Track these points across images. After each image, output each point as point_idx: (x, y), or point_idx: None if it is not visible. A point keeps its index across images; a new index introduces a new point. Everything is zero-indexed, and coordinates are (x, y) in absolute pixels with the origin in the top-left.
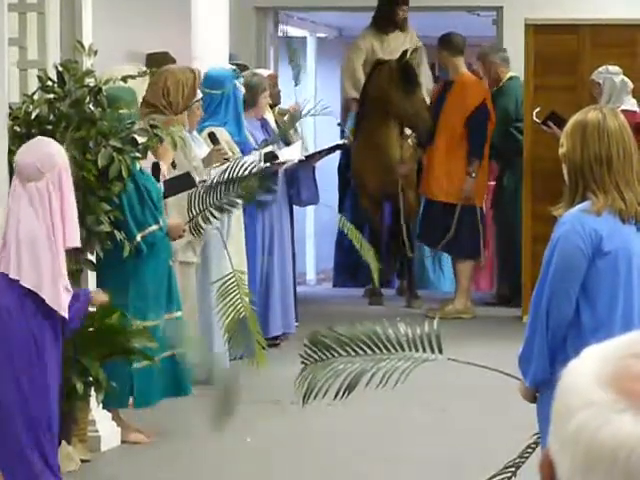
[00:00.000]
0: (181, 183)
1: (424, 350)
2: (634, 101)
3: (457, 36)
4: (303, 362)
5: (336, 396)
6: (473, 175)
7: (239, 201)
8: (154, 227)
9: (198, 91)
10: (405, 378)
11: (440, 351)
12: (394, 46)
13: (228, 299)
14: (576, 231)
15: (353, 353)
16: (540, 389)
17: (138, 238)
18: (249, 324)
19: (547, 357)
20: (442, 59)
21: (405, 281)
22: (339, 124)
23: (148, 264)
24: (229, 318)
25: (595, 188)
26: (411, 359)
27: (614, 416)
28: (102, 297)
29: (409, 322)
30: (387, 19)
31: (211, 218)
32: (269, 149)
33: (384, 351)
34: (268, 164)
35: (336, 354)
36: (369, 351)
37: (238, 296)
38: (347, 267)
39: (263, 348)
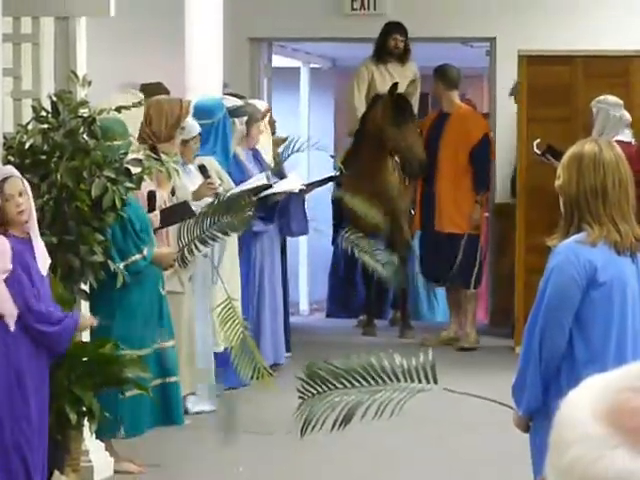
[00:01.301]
0: (179, 212)
1: (419, 381)
2: (629, 132)
3: (453, 69)
4: (300, 397)
5: (333, 428)
6: (481, 205)
7: (220, 235)
8: (137, 256)
9: (195, 124)
10: (400, 409)
11: (435, 381)
12: (394, 76)
13: (229, 325)
14: (570, 262)
15: (349, 385)
16: (533, 419)
17: (121, 267)
18: (252, 350)
19: (540, 387)
20: (437, 91)
21: (398, 312)
22: (332, 156)
23: (133, 293)
24: (234, 344)
25: (590, 220)
26: (406, 390)
27: (608, 451)
28: (89, 321)
29: (404, 353)
30: (382, 48)
31: (195, 250)
32: (263, 181)
33: (379, 382)
34: (261, 194)
35: (332, 386)
36: (365, 383)
37: (238, 322)
38: (341, 297)
39: (270, 374)
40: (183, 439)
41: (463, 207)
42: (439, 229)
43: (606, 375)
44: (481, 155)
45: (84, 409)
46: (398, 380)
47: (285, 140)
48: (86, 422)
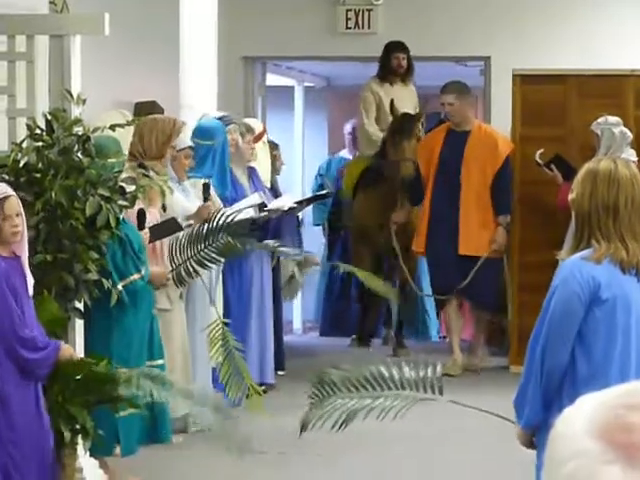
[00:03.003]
0: (167, 228)
1: (425, 391)
2: (633, 151)
3: (467, 85)
4: (311, 400)
5: (332, 428)
6: (506, 227)
7: (220, 258)
8: (135, 276)
9: (186, 140)
10: (402, 415)
11: (441, 393)
12: (399, 97)
13: (218, 347)
14: (574, 277)
15: (354, 390)
16: (537, 434)
17: (119, 287)
18: (241, 370)
19: (540, 402)
20: (459, 109)
21: (391, 330)
22: (320, 174)
23: (130, 312)
24: (223, 364)
25: (599, 236)
26: (409, 397)
27: (603, 467)
28: (69, 352)
29: (413, 366)
30: (384, 67)
31: (192, 272)
32: (256, 200)
33: (385, 390)
34: (257, 214)
35: (338, 391)
36: (371, 390)
37: (228, 342)
38: (334, 316)
39: (258, 394)
40: (177, 456)
41: (486, 230)
42: (462, 252)
43: (601, 393)
44: (506, 175)
45: (78, 427)
46: (404, 389)
47: (276, 147)
48: (80, 440)
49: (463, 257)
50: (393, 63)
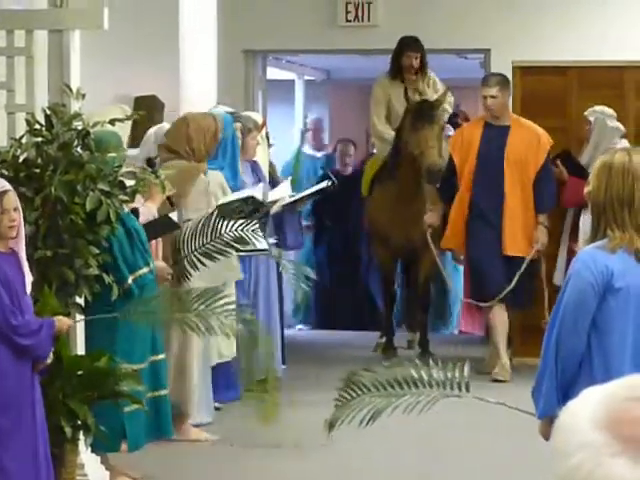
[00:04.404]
0: (161, 226)
1: (452, 389)
2: (625, 141)
3: (507, 78)
4: (336, 404)
5: (360, 425)
6: (545, 226)
7: (230, 250)
8: (145, 270)
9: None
10: (427, 410)
11: (467, 390)
12: (411, 92)
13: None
14: (588, 267)
15: (383, 391)
16: None
17: (129, 281)
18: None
19: (555, 391)
20: (500, 102)
21: (417, 333)
22: (322, 167)
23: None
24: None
25: (615, 227)
26: (435, 394)
27: (608, 459)
28: (64, 323)
29: (442, 366)
30: (397, 67)
31: (198, 264)
32: (252, 193)
33: (413, 390)
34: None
35: (367, 391)
36: (399, 390)
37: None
38: (325, 309)
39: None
40: (179, 451)
41: (530, 229)
42: (509, 252)
43: (607, 385)
44: (549, 171)
45: (79, 423)
46: (431, 387)
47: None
48: (81, 436)
49: (506, 259)
50: (404, 62)
